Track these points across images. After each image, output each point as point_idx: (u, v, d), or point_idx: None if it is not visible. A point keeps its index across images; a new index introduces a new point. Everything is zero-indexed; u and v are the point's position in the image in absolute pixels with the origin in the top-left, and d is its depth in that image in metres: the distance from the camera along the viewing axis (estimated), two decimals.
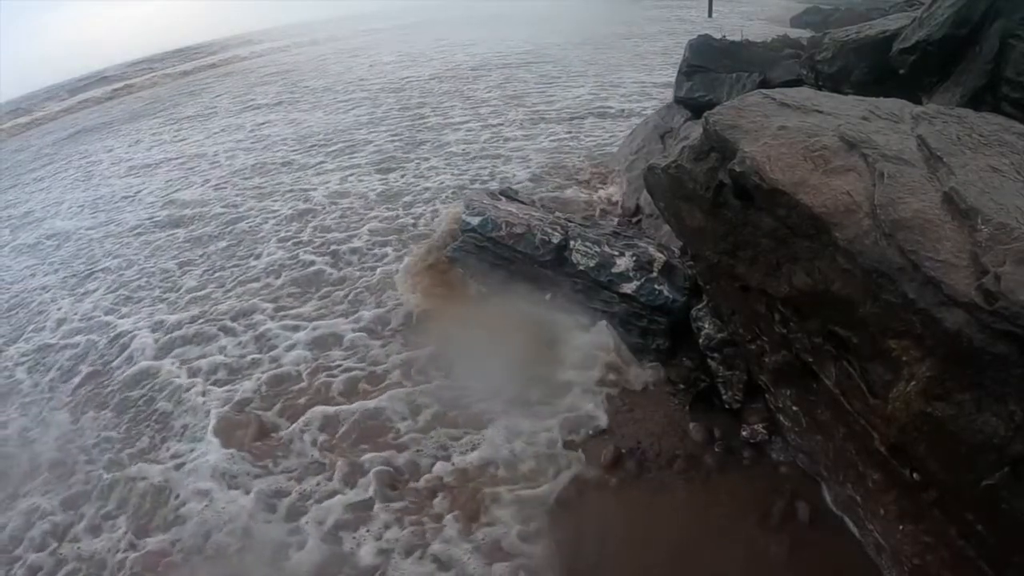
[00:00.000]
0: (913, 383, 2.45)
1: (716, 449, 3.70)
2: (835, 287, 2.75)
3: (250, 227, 8.17)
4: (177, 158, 12.63)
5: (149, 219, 9.26)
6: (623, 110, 10.93)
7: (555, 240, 5.03)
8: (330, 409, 4.50)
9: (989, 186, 2.66)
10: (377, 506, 3.66)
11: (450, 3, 34.41)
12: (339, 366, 4.98)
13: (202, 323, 5.98)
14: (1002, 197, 2.58)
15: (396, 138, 11.26)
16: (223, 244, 7.79)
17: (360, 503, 3.70)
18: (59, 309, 6.94)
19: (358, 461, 3.99)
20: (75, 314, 6.74)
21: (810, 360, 3.18)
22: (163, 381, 5.20)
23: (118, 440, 4.63)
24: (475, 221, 5.43)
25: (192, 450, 4.34)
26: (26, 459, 4.63)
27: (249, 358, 5.31)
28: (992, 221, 2.41)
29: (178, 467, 4.21)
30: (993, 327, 2.14)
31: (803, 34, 10.76)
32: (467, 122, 11.64)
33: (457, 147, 10.20)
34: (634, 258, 4.78)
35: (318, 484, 3.89)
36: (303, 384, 4.86)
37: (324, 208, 8.34)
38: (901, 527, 2.75)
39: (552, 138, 9.92)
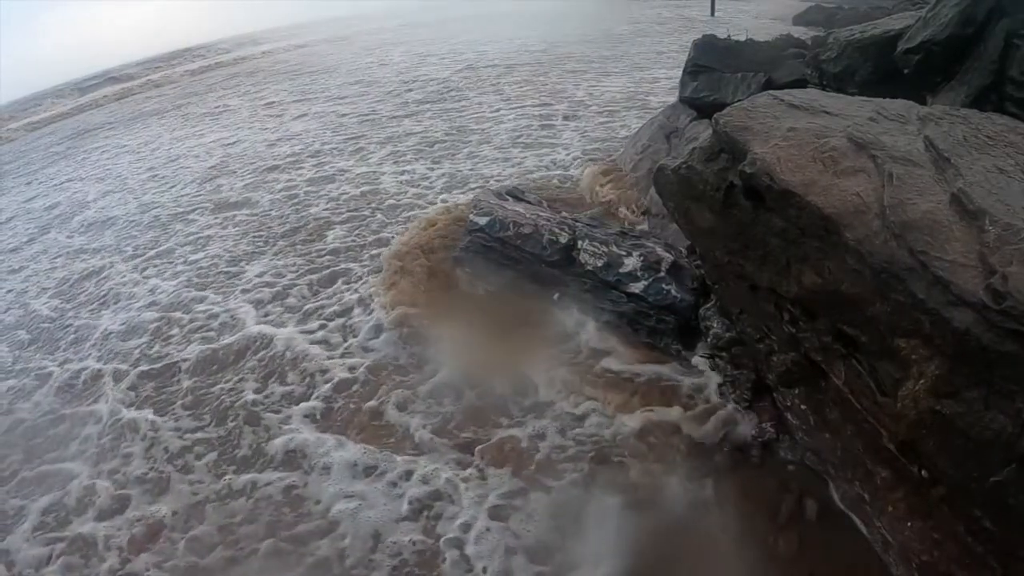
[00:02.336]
0: (922, 381, 2.48)
1: (724, 448, 3.73)
2: (844, 287, 2.78)
3: (311, 213, 7.96)
4: (203, 152, 12.33)
5: (195, 207, 8.96)
6: (664, 103, 10.61)
7: (563, 240, 5.07)
8: (433, 392, 4.41)
9: (996, 187, 2.69)
10: (515, 483, 3.65)
11: (453, 3, 34.38)
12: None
13: (280, 309, 5.79)
14: (1009, 198, 2.61)
15: (440, 130, 10.96)
16: (286, 227, 7.63)
17: (500, 484, 3.67)
18: (119, 296, 6.69)
19: (481, 442, 3.97)
20: (136, 302, 6.48)
21: (819, 359, 3.21)
22: (255, 367, 5.00)
23: (218, 440, 4.33)
24: (482, 221, 5.48)
25: (308, 444, 4.13)
26: (117, 460, 4.31)
27: (339, 344, 5.14)
28: (999, 222, 2.44)
29: (308, 468, 3.96)
30: (1001, 326, 2.17)
31: (806, 33, 10.73)
32: (510, 114, 11.36)
33: (508, 136, 10.02)
34: (642, 258, 4.81)
35: (461, 473, 3.77)
36: (403, 374, 4.69)
37: (390, 194, 8.18)
38: (909, 524, 2.78)
39: (602, 127, 9.84)
